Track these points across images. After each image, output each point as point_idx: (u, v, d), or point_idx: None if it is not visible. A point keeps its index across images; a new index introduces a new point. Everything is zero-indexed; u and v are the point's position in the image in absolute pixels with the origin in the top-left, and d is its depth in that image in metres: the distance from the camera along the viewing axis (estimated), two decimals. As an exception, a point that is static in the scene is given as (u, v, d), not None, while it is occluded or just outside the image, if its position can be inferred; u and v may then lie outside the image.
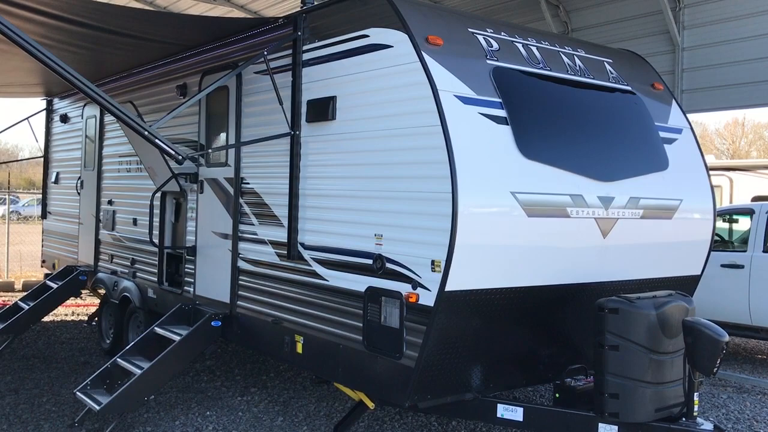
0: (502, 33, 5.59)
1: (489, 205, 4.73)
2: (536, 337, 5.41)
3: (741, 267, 9.76)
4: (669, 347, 4.97)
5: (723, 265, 9.89)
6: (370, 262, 5.15)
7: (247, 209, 6.57)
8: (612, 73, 6.15)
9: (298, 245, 5.86)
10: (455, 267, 4.56)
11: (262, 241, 6.35)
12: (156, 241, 7.69)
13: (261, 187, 6.40)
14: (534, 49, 5.67)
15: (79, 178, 10.46)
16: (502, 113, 4.99)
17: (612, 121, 5.78)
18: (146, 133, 5.11)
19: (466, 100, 4.83)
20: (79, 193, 10.46)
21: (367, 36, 5.25)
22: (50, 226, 11.72)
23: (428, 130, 4.70)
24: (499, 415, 5.26)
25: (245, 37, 6.71)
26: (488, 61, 5.22)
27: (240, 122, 6.72)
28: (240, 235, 6.65)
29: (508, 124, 4.98)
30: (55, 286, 9.76)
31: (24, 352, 9.44)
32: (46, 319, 11.66)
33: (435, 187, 4.64)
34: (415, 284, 4.80)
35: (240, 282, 6.65)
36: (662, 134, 6.09)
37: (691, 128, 6.45)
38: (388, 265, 5.00)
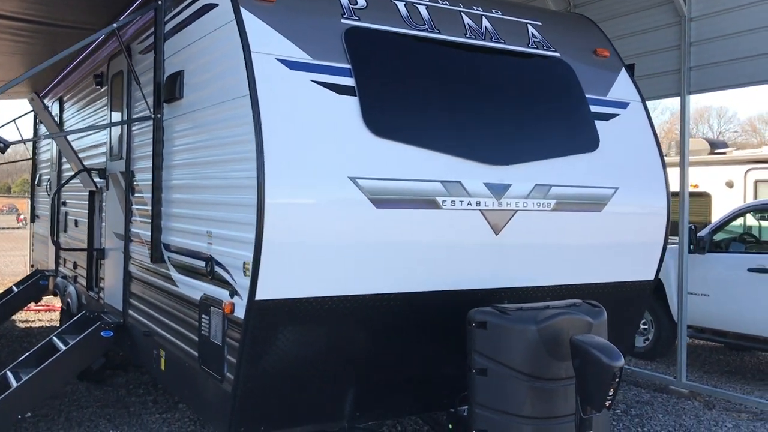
0: (378, -11, 4.65)
1: (315, 194, 3.80)
2: (417, 356, 4.42)
3: (770, 271, 8.34)
4: (560, 372, 3.90)
5: (751, 270, 8.49)
6: (203, 264, 4.33)
7: (134, 206, 5.87)
8: (534, 37, 5.08)
9: (161, 246, 5.09)
10: (266, 270, 3.68)
11: (142, 242, 5.62)
12: (63, 241, 7.11)
13: (143, 180, 5.68)
14: (422, 8, 4.69)
15: (49, 178, 10.10)
16: (348, 81, 4.07)
17: (519, 92, 4.73)
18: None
19: (294, 65, 3.94)
20: (48, 194, 10.10)
21: (202, -5, 4.45)
22: (36, 229, 11.45)
23: (239, 102, 3.85)
24: (365, 450, 4.33)
25: (131, 13, 6.01)
26: (344, 21, 4.30)
27: (131, 109, 6.02)
28: (129, 235, 5.96)
29: (355, 95, 4.05)
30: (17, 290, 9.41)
31: (-20, 362, 9.07)
32: (38, 324, 11.42)
33: (243, 172, 3.77)
34: (232, 291, 3.94)
35: (130, 288, 5.95)
36: (596, 108, 4.97)
37: (644, 103, 5.28)
38: (216, 269, 4.16)
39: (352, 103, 4.03)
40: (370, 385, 4.34)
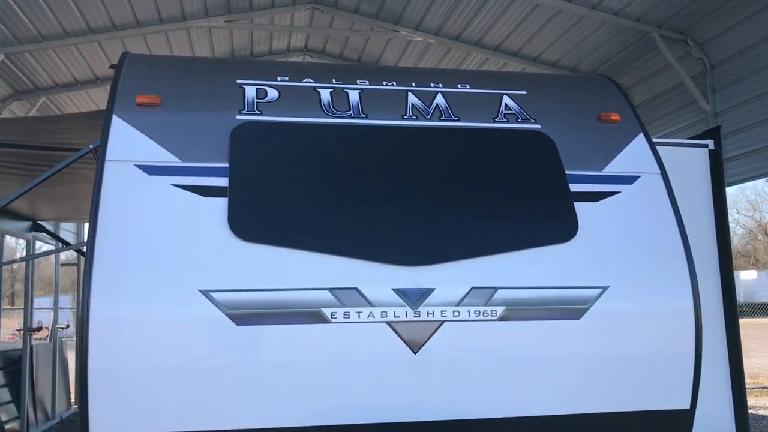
0: (307, 79, 4.18)
1: (155, 310, 3.33)
2: None
3: None
4: None
5: None
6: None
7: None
8: (508, 109, 4.22)
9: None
10: (96, 401, 3.24)
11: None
12: None
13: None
14: (353, 93, 4.13)
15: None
16: (220, 182, 3.61)
17: (463, 175, 3.87)
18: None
19: (155, 170, 3.59)
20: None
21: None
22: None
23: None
24: None
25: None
26: (239, 117, 3.89)
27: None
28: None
29: (225, 196, 3.58)
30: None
31: None
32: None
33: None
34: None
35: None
36: (579, 187, 3.91)
37: (663, 175, 4.07)
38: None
39: (219, 205, 3.55)
40: None
